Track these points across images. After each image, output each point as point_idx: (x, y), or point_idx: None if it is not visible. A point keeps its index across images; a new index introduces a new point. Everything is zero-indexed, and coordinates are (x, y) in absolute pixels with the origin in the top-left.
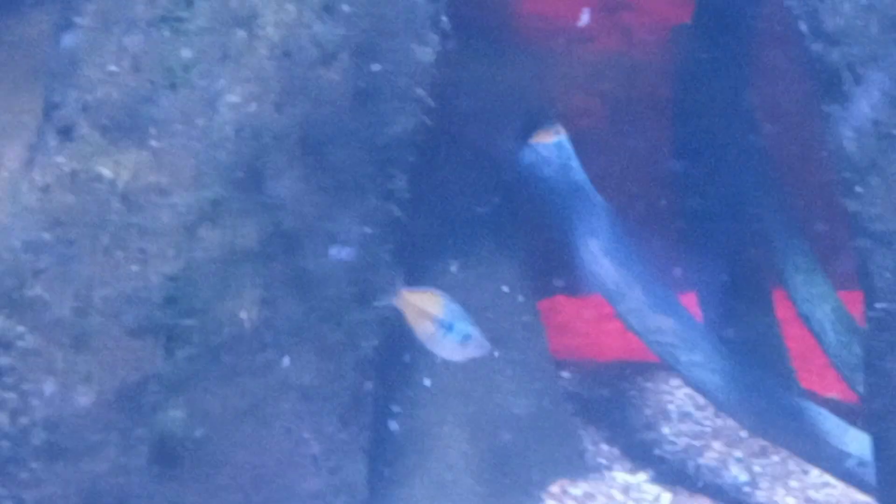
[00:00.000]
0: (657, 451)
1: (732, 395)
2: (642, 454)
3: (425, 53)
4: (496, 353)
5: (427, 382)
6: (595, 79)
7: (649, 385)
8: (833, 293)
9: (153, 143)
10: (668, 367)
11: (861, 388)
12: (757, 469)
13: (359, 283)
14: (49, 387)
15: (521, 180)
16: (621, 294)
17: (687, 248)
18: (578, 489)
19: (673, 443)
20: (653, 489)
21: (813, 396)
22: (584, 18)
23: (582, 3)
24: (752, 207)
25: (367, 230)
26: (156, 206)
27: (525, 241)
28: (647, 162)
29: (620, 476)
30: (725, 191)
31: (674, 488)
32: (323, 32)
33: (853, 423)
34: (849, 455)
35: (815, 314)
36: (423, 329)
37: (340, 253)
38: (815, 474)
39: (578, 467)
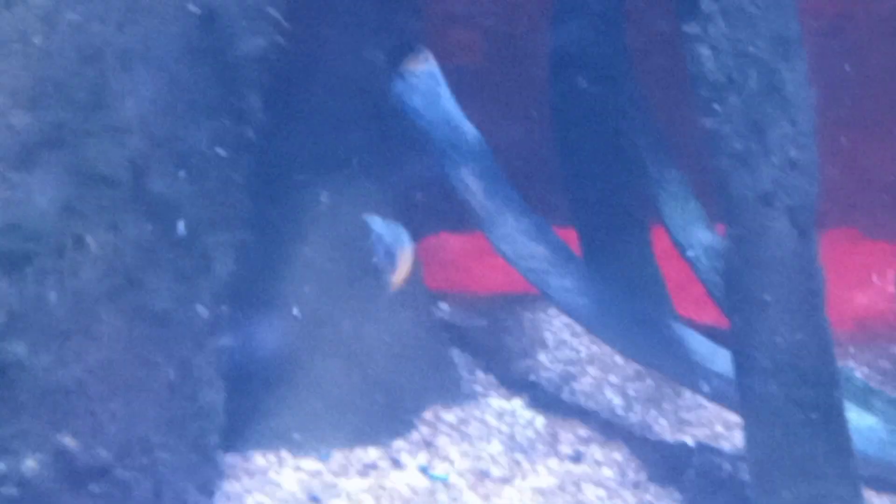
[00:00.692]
0: (533, 378)
1: (603, 319)
2: (518, 381)
3: None
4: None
5: (296, 312)
6: (474, 12)
7: (528, 315)
8: (706, 220)
9: None
10: (542, 293)
11: None
12: (631, 393)
13: (212, 206)
14: None
15: (393, 109)
16: (493, 221)
17: (564, 181)
18: (452, 415)
19: (549, 369)
20: (527, 414)
21: (690, 323)
22: None
23: None
24: (626, 137)
25: (220, 152)
26: None
27: (400, 172)
28: (525, 95)
29: (496, 402)
30: (600, 122)
31: (548, 413)
32: None
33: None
34: (717, 374)
35: (688, 241)
36: None
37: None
38: (688, 397)
39: (453, 395)
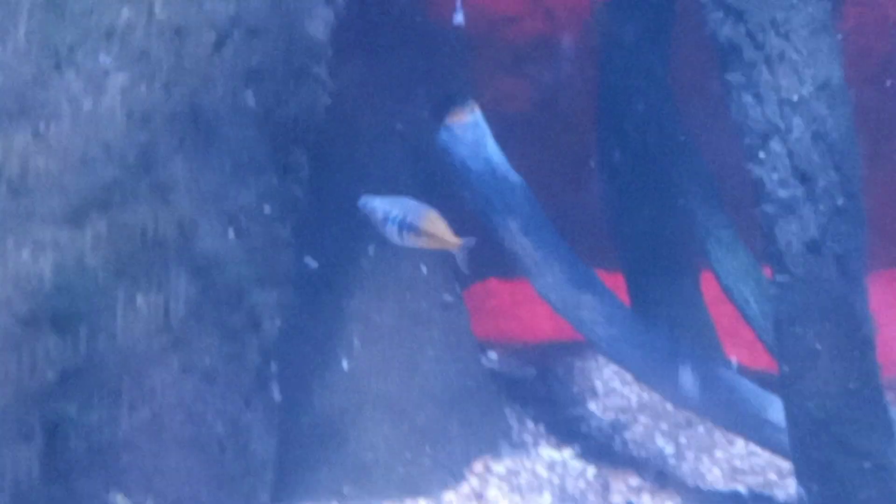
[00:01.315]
0: (583, 427)
1: (653, 367)
2: (568, 430)
3: (320, 30)
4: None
5: (345, 364)
6: (520, 62)
7: (577, 363)
8: (756, 266)
9: (41, 126)
10: (590, 342)
11: None
12: (682, 441)
13: (259, 263)
14: None
15: (439, 160)
16: (539, 270)
17: (612, 228)
18: (502, 466)
19: (599, 418)
20: (578, 464)
21: (741, 369)
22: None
23: None
24: (674, 185)
25: (267, 209)
26: (46, 192)
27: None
28: (572, 143)
29: (546, 452)
30: (648, 169)
31: (599, 463)
32: (213, 10)
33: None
34: (769, 423)
35: (738, 287)
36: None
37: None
38: (741, 444)
39: (503, 445)
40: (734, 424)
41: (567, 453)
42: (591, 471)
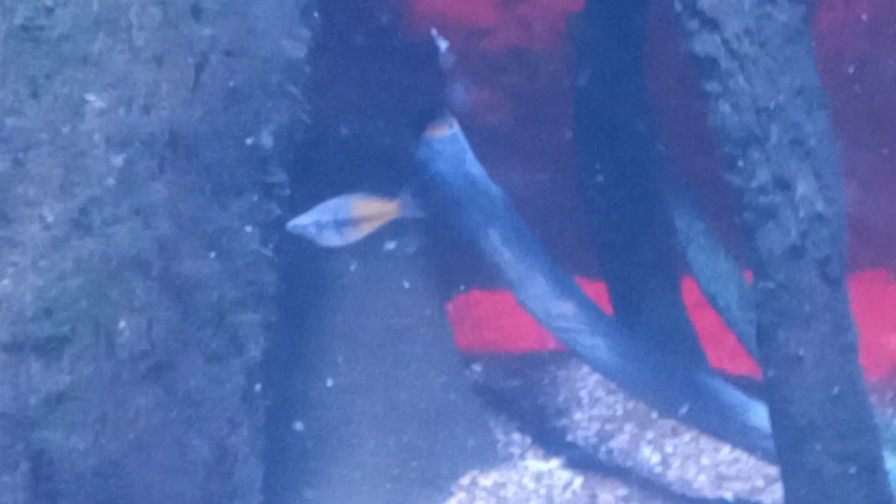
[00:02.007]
0: (569, 438)
1: (636, 376)
2: (554, 441)
3: (297, 50)
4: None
5: (329, 382)
6: (497, 73)
7: (561, 373)
8: (737, 271)
9: (19, 154)
10: (573, 352)
11: None
12: (668, 449)
13: (241, 285)
14: None
15: (418, 175)
16: (522, 282)
17: (592, 235)
18: (489, 479)
19: (585, 428)
20: (565, 475)
21: (723, 375)
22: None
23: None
24: (653, 192)
25: (248, 229)
26: (25, 219)
27: (427, 235)
28: (552, 153)
29: (533, 464)
30: (627, 177)
31: (586, 473)
32: (190, 34)
33: (760, 397)
34: (754, 428)
35: (720, 293)
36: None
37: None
38: (726, 451)
39: (489, 458)
40: (720, 431)
41: (554, 464)
42: (578, 481)
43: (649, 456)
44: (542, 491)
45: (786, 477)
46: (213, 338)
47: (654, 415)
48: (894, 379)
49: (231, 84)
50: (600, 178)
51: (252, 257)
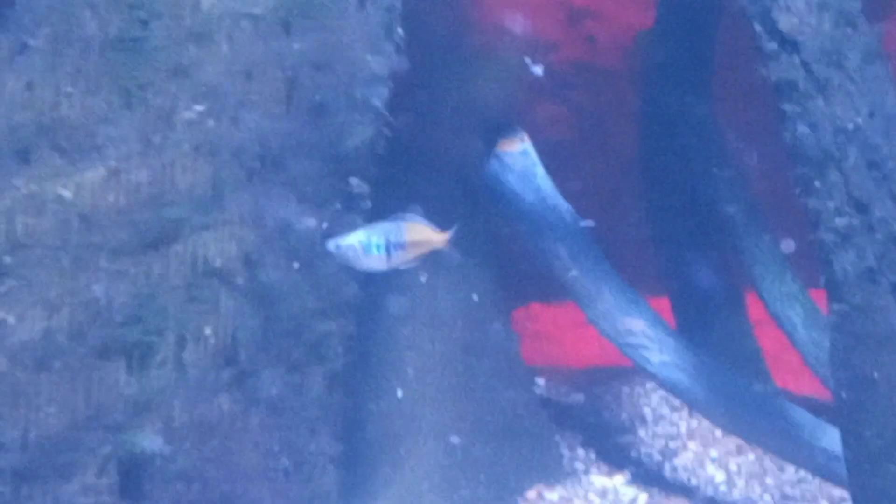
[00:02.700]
0: (633, 454)
1: (704, 393)
2: (619, 457)
3: (380, 65)
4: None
5: (400, 393)
6: (562, 87)
7: (625, 389)
8: (803, 292)
9: (112, 162)
10: (640, 368)
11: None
12: (733, 468)
13: (323, 295)
14: (17, 409)
15: (488, 189)
16: (590, 298)
17: (658, 253)
18: (555, 494)
19: (649, 445)
20: (629, 491)
21: (787, 394)
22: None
23: (545, 13)
24: (720, 211)
25: (330, 241)
26: (117, 226)
27: (495, 249)
28: (617, 169)
29: (597, 479)
30: (694, 195)
31: (650, 489)
32: (280, 47)
33: (826, 418)
34: (821, 450)
35: (785, 313)
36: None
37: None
38: (791, 471)
39: (555, 472)
40: (785, 451)
41: (618, 480)
42: (642, 497)
43: (714, 474)
44: None
45: (856, 499)
46: (294, 347)
47: (719, 433)
48: None
49: (317, 98)
50: (666, 194)
51: (333, 268)
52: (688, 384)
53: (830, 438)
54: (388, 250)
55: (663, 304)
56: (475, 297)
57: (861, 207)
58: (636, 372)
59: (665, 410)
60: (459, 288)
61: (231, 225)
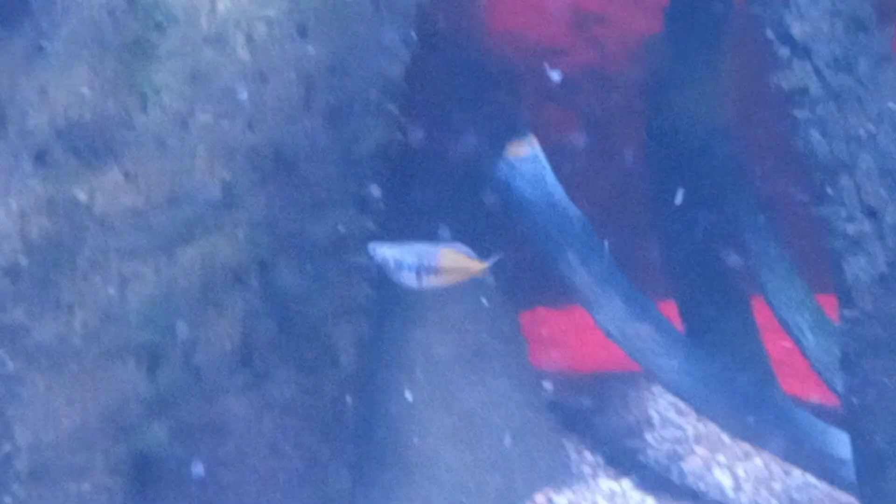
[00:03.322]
0: (641, 458)
1: (712, 398)
2: (626, 461)
3: (395, 69)
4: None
5: (408, 395)
6: (569, 92)
7: (632, 393)
8: (811, 297)
9: (127, 165)
10: (648, 373)
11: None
12: (740, 473)
13: (335, 298)
14: (31, 411)
15: (497, 193)
16: (599, 303)
17: (665, 256)
18: (563, 498)
19: (656, 449)
20: (637, 495)
21: (794, 400)
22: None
23: (553, 18)
24: (728, 215)
25: (344, 244)
26: (132, 228)
27: (504, 252)
28: (623, 172)
29: (605, 483)
30: (701, 199)
31: (658, 493)
32: (295, 50)
33: (833, 424)
34: (829, 455)
35: (793, 318)
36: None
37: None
38: (798, 476)
39: (563, 476)
40: (793, 456)
41: (626, 484)
42: (650, 501)
43: (721, 479)
44: None
45: None
46: (307, 349)
47: (726, 438)
48: None
49: (332, 101)
50: (673, 199)
51: (347, 271)
52: (695, 389)
53: (839, 443)
54: (418, 272)
55: (671, 307)
56: (484, 301)
57: (873, 214)
58: (644, 376)
59: (672, 414)
60: (468, 290)
61: (245, 228)
